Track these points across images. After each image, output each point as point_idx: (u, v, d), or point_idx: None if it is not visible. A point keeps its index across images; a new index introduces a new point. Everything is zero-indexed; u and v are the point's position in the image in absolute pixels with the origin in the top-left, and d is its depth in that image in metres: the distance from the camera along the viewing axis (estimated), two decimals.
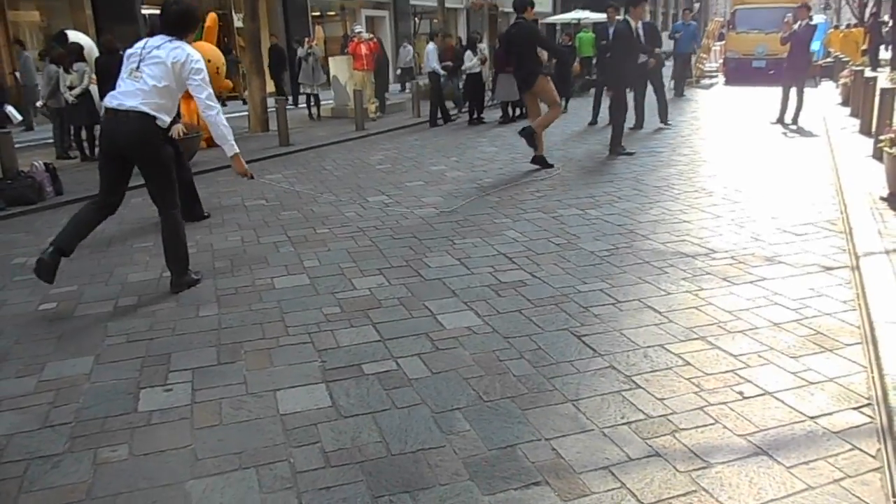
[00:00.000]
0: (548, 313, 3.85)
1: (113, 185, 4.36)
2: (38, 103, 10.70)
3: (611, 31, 11.67)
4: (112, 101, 4.16)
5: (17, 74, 13.49)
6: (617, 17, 11.17)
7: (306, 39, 15.04)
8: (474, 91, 13.43)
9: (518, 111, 13.78)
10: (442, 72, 13.19)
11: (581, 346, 3.42)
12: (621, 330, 3.59)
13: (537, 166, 8.12)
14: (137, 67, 4.14)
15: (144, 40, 4.29)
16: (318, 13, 22.67)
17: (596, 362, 3.25)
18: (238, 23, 19.01)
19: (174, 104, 4.30)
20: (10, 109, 11.28)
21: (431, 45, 13.18)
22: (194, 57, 4.19)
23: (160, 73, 4.13)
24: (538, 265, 4.67)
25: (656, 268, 4.52)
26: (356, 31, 14.42)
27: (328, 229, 5.82)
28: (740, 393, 2.94)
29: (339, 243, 5.39)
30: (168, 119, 4.25)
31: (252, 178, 5.10)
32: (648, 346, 3.39)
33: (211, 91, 4.30)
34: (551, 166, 8.15)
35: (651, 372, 3.14)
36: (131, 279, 4.71)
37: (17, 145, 8.08)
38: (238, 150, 4.57)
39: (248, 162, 9.40)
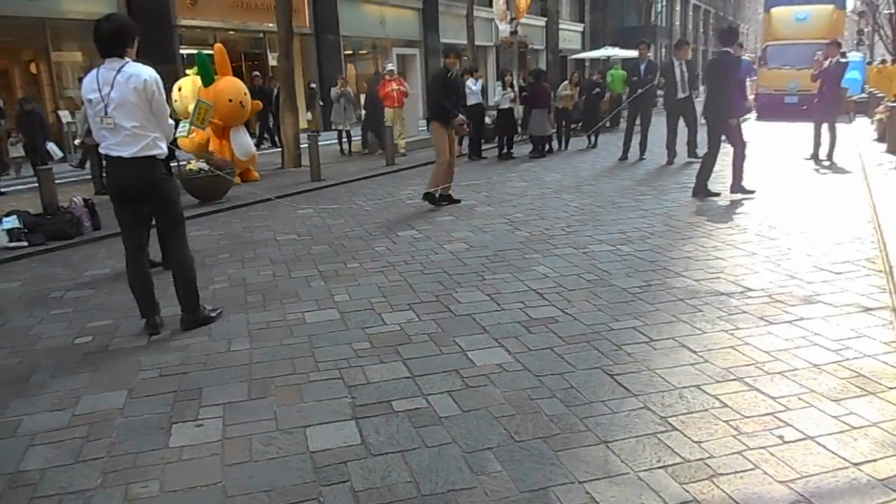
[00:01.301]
0: (580, 351, 3.79)
1: (133, 227, 4.41)
2: (77, 141, 11.01)
3: (642, 67, 11.77)
4: (110, 151, 4.16)
5: (60, 113, 13.95)
6: (649, 55, 11.30)
7: (339, 80, 15.33)
8: (505, 126, 13.52)
9: (549, 146, 13.85)
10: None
11: (614, 385, 3.36)
12: (655, 370, 3.52)
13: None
14: (106, 114, 4.04)
15: (94, 78, 4.08)
16: (350, 52, 23.14)
17: (630, 403, 3.18)
18: (273, 61, 19.49)
19: (160, 126, 4.23)
20: (51, 146, 11.66)
21: (471, 80, 13.36)
22: (152, 77, 4.08)
23: (131, 112, 4.05)
24: (569, 301, 4.63)
25: (691, 306, 4.45)
26: (388, 68, 14.67)
27: (358, 263, 5.85)
28: (780, 437, 2.85)
29: (370, 278, 5.41)
30: (165, 146, 4.27)
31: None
32: (684, 387, 3.32)
33: (168, 112, 4.33)
34: (457, 201, 8.44)
35: (687, 414, 3.06)
36: (165, 313, 4.73)
37: (58, 181, 8.31)
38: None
39: (280, 196, 9.60)
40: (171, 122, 4.41)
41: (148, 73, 4.10)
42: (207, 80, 10.68)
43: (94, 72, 4.13)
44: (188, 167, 9.37)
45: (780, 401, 3.16)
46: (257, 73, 17.50)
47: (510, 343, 3.94)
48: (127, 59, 4.10)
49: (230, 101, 10.47)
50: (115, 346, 4.23)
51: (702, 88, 17.90)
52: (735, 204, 7.79)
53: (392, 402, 3.28)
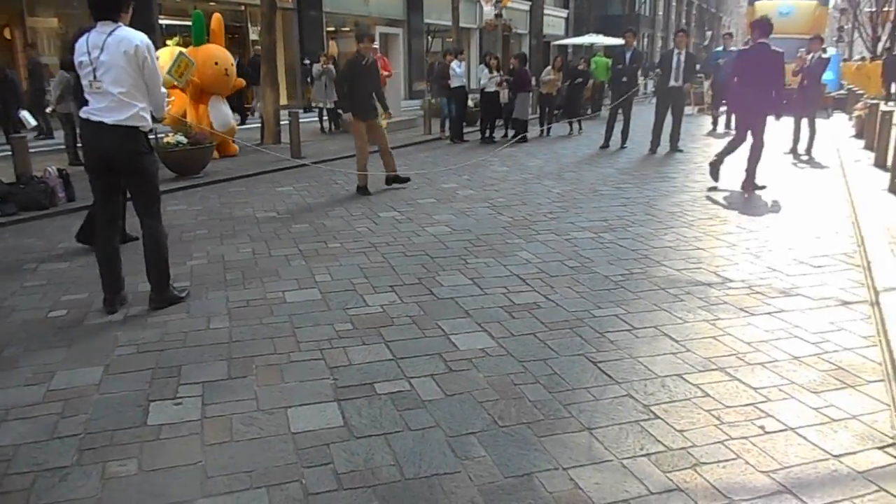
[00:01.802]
0: (563, 337, 3.79)
1: (107, 198, 4.27)
2: (48, 109, 10.73)
3: (628, 54, 11.76)
4: (91, 115, 4.01)
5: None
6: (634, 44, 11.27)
7: (322, 57, 15.11)
8: (489, 110, 13.45)
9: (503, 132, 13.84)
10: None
11: (597, 372, 3.37)
12: (638, 357, 3.53)
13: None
14: (95, 77, 3.94)
15: (84, 42, 3.97)
16: (332, 29, 22.82)
17: (613, 390, 3.19)
18: (253, 35, 19.16)
19: (151, 95, 4.11)
20: (24, 114, 11.34)
21: (455, 62, 13.24)
22: (143, 42, 3.97)
23: (119, 76, 3.93)
24: (552, 288, 4.62)
25: (672, 295, 4.47)
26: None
27: (339, 244, 5.79)
28: (762, 427, 2.87)
29: (351, 258, 5.35)
30: (149, 119, 4.14)
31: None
32: (666, 376, 3.33)
33: (161, 80, 4.20)
34: (407, 179, 8.51)
35: (669, 402, 3.08)
36: (142, 288, 4.64)
37: (31, 150, 8.09)
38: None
39: (259, 174, 9.47)
40: (164, 90, 4.28)
41: (140, 38, 3.98)
42: (198, 40, 10.52)
43: (85, 35, 4.01)
44: (165, 140, 9.18)
45: (762, 391, 3.18)
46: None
47: (493, 328, 3.93)
48: (120, 23, 3.99)
49: (216, 63, 10.31)
50: (91, 321, 4.14)
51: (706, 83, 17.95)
52: (716, 195, 7.84)
53: (375, 385, 3.25)
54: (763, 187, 8.01)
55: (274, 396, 3.15)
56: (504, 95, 13.35)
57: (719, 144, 12.58)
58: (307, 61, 17.65)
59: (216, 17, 11.05)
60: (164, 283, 4.37)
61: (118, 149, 4.05)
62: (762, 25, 7.85)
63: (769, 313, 4.17)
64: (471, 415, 2.97)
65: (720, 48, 15.76)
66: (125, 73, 3.94)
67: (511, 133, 13.52)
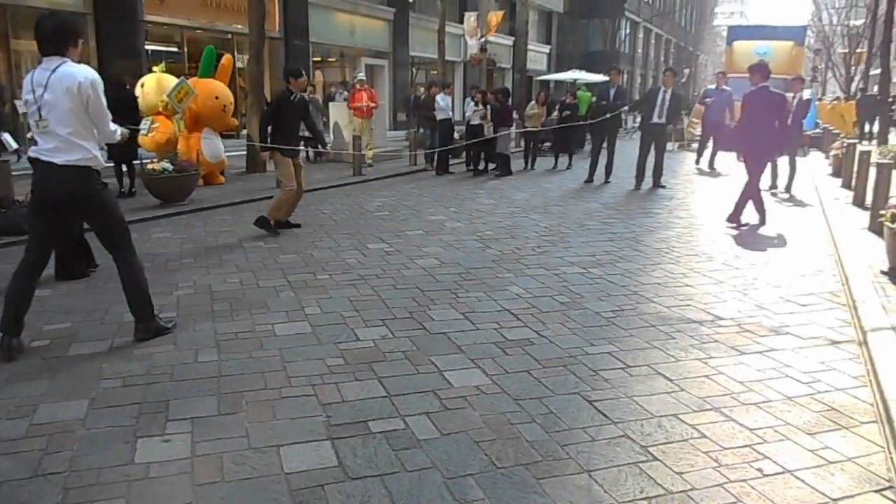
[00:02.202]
0: (557, 375, 3.77)
1: (46, 239, 4.08)
2: (29, 135, 10.62)
3: (612, 91, 11.94)
4: (40, 155, 3.85)
5: (17, 103, 13.45)
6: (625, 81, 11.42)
7: (308, 86, 15.17)
8: (475, 143, 13.53)
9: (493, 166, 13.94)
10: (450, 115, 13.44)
11: (593, 412, 3.34)
12: (633, 397, 3.52)
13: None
14: (40, 117, 3.79)
15: (29, 79, 3.82)
16: (318, 58, 22.97)
17: (609, 430, 3.16)
18: (240, 63, 19.21)
19: (100, 132, 3.98)
20: (5, 137, 11.22)
21: (440, 96, 13.36)
22: (88, 78, 3.80)
23: (63, 116, 3.77)
24: (544, 323, 4.61)
25: (663, 332, 4.48)
26: (358, 77, 14.58)
27: (328, 275, 5.74)
28: (759, 470, 2.86)
29: (341, 291, 5.30)
30: (100, 157, 3.97)
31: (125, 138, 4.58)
32: (662, 416, 3.32)
33: (110, 117, 4.03)
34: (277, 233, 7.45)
35: (667, 443, 3.06)
36: (127, 318, 4.55)
37: (13, 173, 7.98)
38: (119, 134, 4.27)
39: (245, 202, 9.41)
40: (113, 127, 4.10)
41: (84, 74, 3.81)
42: (205, 72, 10.63)
43: (31, 72, 3.87)
44: (150, 166, 9.12)
45: (757, 433, 3.18)
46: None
47: (487, 364, 3.89)
48: (66, 58, 3.83)
49: (216, 98, 10.40)
50: (75, 352, 4.04)
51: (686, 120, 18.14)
52: (700, 232, 7.92)
53: (369, 423, 3.19)
54: (744, 225, 8.12)
55: (265, 434, 3.08)
56: (487, 129, 13.45)
57: (701, 181, 12.78)
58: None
59: (227, 57, 11.30)
60: (148, 314, 4.27)
61: (69, 190, 3.87)
62: (761, 70, 8.13)
63: (760, 352, 4.18)
64: (468, 455, 2.92)
65: (713, 86, 15.41)
66: (70, 113, 3.78)
67: (493, 166, 13.62)
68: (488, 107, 13.28)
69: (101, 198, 4.03)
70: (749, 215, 8.24)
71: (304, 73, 7.66)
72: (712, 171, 14.27)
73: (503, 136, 13.31)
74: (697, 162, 15.26)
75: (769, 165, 11.13)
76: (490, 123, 13.39)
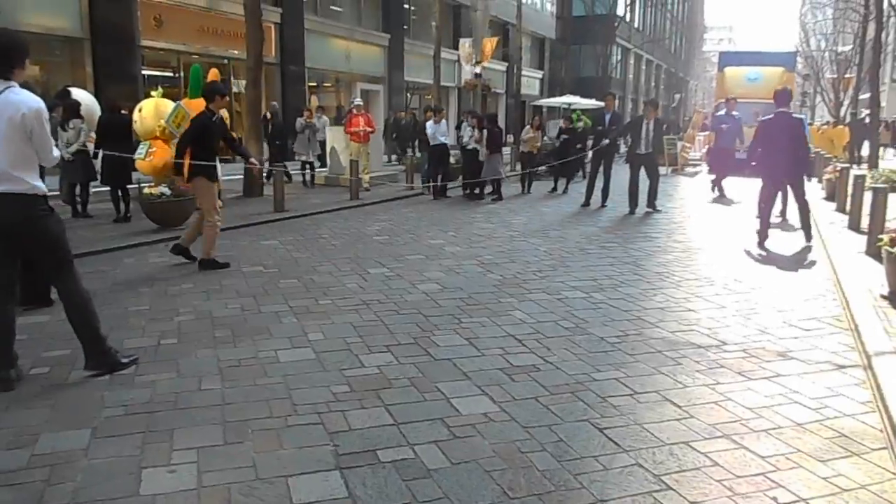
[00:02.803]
0: (565, 402, 3.74)
1: (2, 262, 3.85)
2: None
3: (607, 117, 12.04)
4: None
5: None
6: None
7: (305, 111, 15.26)
8: (471, 167, 13.55)
9: (481, 190, 13.95)
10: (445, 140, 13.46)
11: (604, 440, 3.31)
12: (643, 424, 3.49)
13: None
14: None
15: None
16: (314, 83, 23.11)
17: (621, 459, 3.13)
18: (236, 88, 19.30)
19: (42, 159, 3.79)
20: None
21: (431, 122, 13.40)
22: (32, 108, 3.62)
23: (5, 147, 3.60)
24: (549, 349, 4.58)
25: (670, 358, 4.45)
26: (355, 102, 14.65)
27: (330, 301, 5.71)
28: (774, 499, 2.83)
29: (343, 316, 5.27)
30: (42, 186, 3.78)
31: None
32: (673, 444, 3.28)
33: (52, 144, 3.86)
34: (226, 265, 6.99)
35: (679, 472, 3.02)
36: (127, 345, 4.51)
37: None
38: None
39: (243, 226, 9.37)
40: (55, 153, 3.94)
41: (29, 103, 3.63)
42: (193, 93, 10.56)
43: None
44: (148, 190, 9.09)
45: (770, 460, 3.15)
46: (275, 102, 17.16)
47: (494, 391, 3.86)
48: (12, 82, 3.64)
49: None
50: (75, 379, 3.99)
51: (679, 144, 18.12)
52: (699, 256, 7.94)
53: (377, 452, 3.15)
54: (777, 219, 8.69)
55: (273, 464, 3.03)
56: (482, 153, 13.49)
57: (697, 206, 12.83)
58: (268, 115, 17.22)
59: (213, 72, 11.17)
60: (97, 346, 4.02)
61: (13, 216, 3.70)
62: (783, 96, 8.44)
63: (767, 378, 4.17)
64: (479, 485, 2.88)
65: (722, 112, 14.52)
66: (11, 144, 3.60)
67: (489, 190, 13.66)
68: (484, 131, 13.31)
69: (46, 225, 3.81)
70: (743, 238, 8.30)
71: (226, 92, 7.21)
72: (723, 198, 13.93)
73: (493, 162, 13.22)
74: (713, 190, 14.39)
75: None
76: (484, 147, 13.44)
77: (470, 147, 13.48)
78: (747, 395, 3.90)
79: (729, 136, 13.88)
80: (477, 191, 13.51)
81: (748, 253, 8.11)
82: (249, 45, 12.46)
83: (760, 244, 8.43)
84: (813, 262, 7.65)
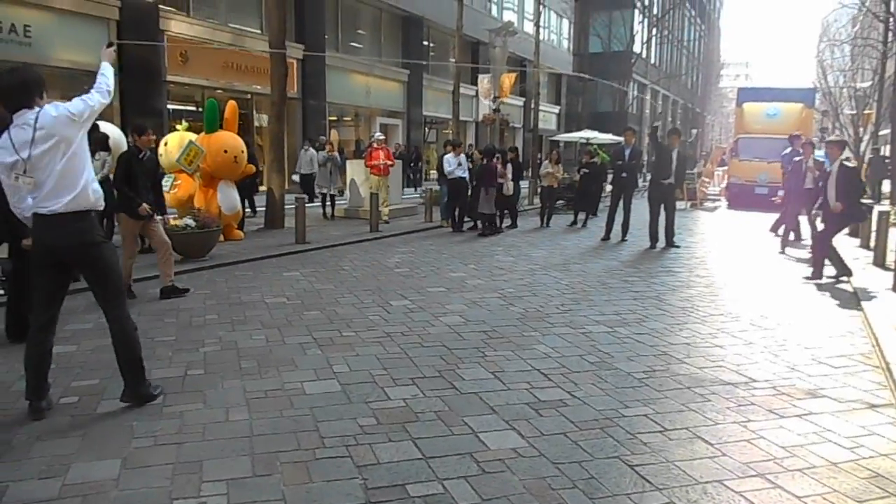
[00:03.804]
0: (594, 438, 3.70)
1: (52, 298, 3.96)
2: None
3: (627, 151, 12.08)
4: (39, 208, 3.74)
5: None
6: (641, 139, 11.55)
7: (327, 144, 15.46)
8: (457, 197, 13.52)
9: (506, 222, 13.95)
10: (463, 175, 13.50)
11: (636, 477, 3.26)
12: (674, 462, 3.44)
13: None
14: (25, 172, 3.66)
15: (7, 138, 3.68)
16: (334, 118, 23.47)
17: (654, 497, 3.08)
18: (257, 122, 19.65)
19: (90, 170, 3.88)
20: None
21: (451, 155, 13.48)
22: (69, 105, 3.77)
23: (53, 149, 3.67)
24: (575, 384, 4.54)
25: (698, 395, 4.40)
26: (376, 136, 14.84)
27: (354, 333, 5.71)
28: None
29: (367, 348, 5.27)
30: (101, 198, 3.90)
31: (111, 44, 4.35)
32: (707, 482, 3.23)
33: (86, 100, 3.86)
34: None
35: None
36: (155, 375, 4.53)
37: None
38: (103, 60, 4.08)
39: (265, 258, 9.44)
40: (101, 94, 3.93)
41: (65, 104, 3.78)
42: (210, 127, 10.72)
43: (6, 134, 3.71)
44: (173, 222, 9.21)
45: (806, 500, 3.09)
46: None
47: (522, 426, 3.83)
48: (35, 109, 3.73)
49: (225, 152, 10.46)
50: (104, 409, 4.01)
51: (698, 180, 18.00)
52: (723, 291, 7.88)
53: (406, 486, 3.12)
54: (831, 277, 8.63)
55: (302, 497, 3.02)
56: (508, 187, 13.52)
57: (715, 239, 12.73)
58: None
59: (231, 104, 11.34)
60: (140, 379, 4.07)
61: (71, 239, 3.80)
62: (838, 145, 9.17)
63: (799, 416, 4.10)
64: None
65: (788, 150, 12.46)
66: (60, 144, 3.71)
67: (507, 223, 13.68)
68: (509, 165, 13.37)
69: (101, 249, 3.92)
70: (767, 275, 8.21)
71: (147, 129, 6.99)
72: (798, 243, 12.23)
73: (486, 197, 13.15)
74: (797, 236, 12.30)
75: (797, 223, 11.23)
76: (508, 180, 13.48)
77: (453, 177, 13.41)
78: (780, 433, 3.84)
79: (794, 182, 11.51)
80: (489, 225, 13.45)
81: (768, 288, 8.04)
82: (274, 81, 12.70)
83: (828, 272, 8.67)
84: (839, 299, 7.56)
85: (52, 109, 3.74)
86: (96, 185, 3.93)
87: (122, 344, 4.04)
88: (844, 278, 8.53)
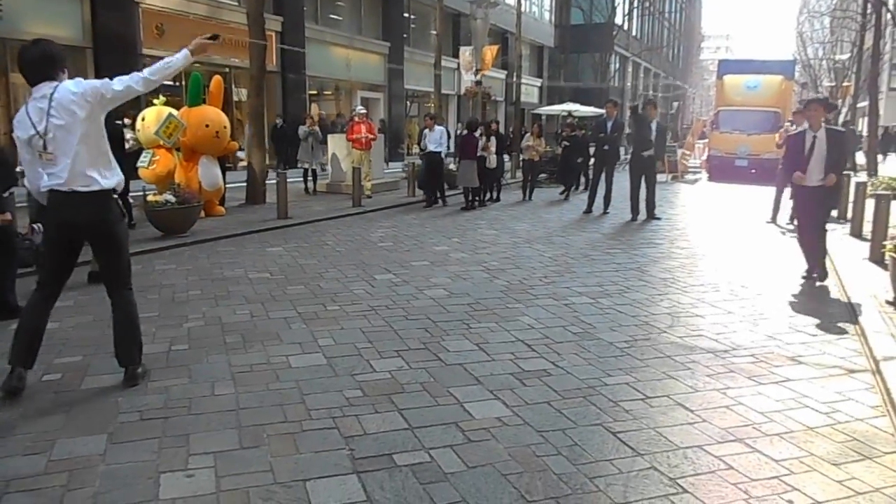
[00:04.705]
0: (577, 406, 3.75)
1: (64, 269, 3.98)
2: (18, 168, 10.58)
3: (609, 124, 12.08)
4: (53, 182, 3.70)
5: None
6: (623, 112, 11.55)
7: (308, 119, 15.31)
8: (483, 174, 13.47)
9: (488, 196, 13.90)
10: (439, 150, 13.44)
11: (618, 443, 3.32)
12: (656, 428, 3.50)
13: None
14: (45, 149, 3.65)
15: (24, 113, 3.69)
16: (314, 91, 23.18)
17: (637, 462, 3.14)
18: (236, 97, 19.34)
19: (108, 152, 3.85)
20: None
21: (439, 127, 13.41)
22: (94, 82, 3.76)
23: (70, 125, 3.63)
24: (559, 354, 4.60)
25: (679, 363, 4.47)
26: (357, 111, 14.70)
27: (338, 306, 5.72)
28: (790, 502, 2.85)
29: (352, 322, 5.28)
30: (121, 181, 3.90)
31: (216, 37, 4.28)
32: (687, 447, 3.30)
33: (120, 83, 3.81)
34: None
35: (695, 475, 3.04)
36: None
37: (18, 205, 7.93)
38: (185, 51, 4.03)
39: (247, 233, 9.39)
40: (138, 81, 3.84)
41: (91, 82, 3.78)
42: (193, 101, 10.58)
43: (24, 108, 3.72)
44: (153, 198, 9.11)
45: (783, 464, 3.17)
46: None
47: (506, 395, 3.87)
48: (56, 82, 3.72)
49: (207, 126, 10.35)
50: (88, 386, 3.99)
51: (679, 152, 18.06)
52: (703, 262, 7.97)
53: (393, 456, 3.16)
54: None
55: (290, 468, 3.04)
56: (491, 160, 13.48)
57: (696, 211, 12.83)
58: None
59: (216, 79, 11.20)
60: (139, 356, 4.06)
61: (91, 216, 3.80)
62: (826, 105, 7.20)
63: (777, 382, 4.19)
64: (497, 489, 2.89)
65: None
66: (80, 118, 3.68)
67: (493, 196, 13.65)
68: (493, 138, 13.33)
69: (117, 225, 3.94)
70: (750, 246, 8.29)
71: None
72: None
73: (466, 169, 13.06)
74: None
75: (774, 198, 11.26)
76: (492, 153, 13.43)
77: (427, 150, 13.38)
78: (758, 399, 3.92)
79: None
80: (472, 199, 13.44)
81: (747, 258, 8.13)
82: (252, 54, 12.51)
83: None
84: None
85: (73, 85, 3.70)
86: (116, 167, 3.90)
87: (126, 321, 4.02)
88: (818, 280, 6.93)
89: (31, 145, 3.70)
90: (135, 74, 3.87)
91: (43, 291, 3.98)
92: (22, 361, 3.86)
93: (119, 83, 3.79)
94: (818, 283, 6.91)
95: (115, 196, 3.94)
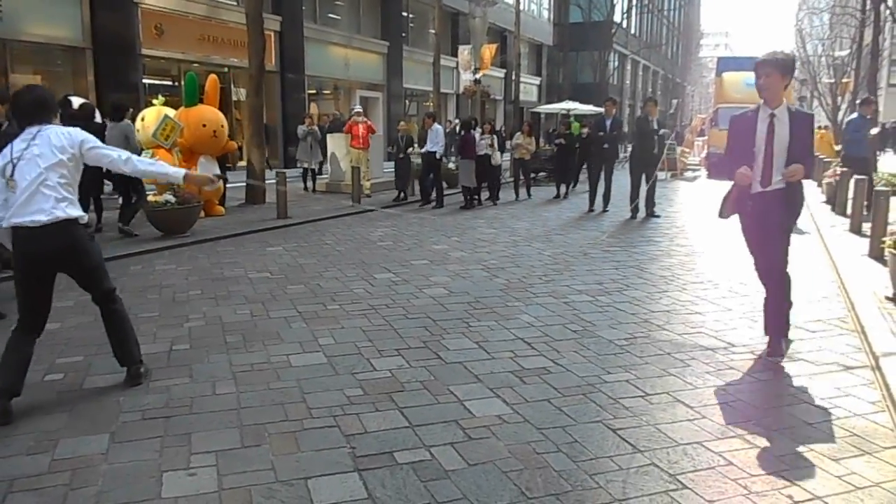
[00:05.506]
0: (577, 403, 3.77)
1: (43, 303, 3.82)
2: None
3: (608, 122, 12.09)
4: (20, 219, 3.57)
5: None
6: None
7: (307, 118, 15.31)
8: (484, 173, 13.48)
9: (477, 197, 13.88)
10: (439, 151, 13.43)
11: (618, 440, 3.34)
12: (655, 425, 3.52)
13: None
14: (12, 176, 3.58)
15: (9, 146, 3.69)
16: (313, 91, 23.19)
17: (637, 459, 3.16)
18: (235, 96, 19.36)
19: (77, 182, 3.82)
20: None
21: (437, 126, 13.40)
22: (81, 134, 3.79)
23: (50, 155, 3.63)
24: (558, 352, 4.61)
25: (678, 360, 4.49)
26: (355, 110, 14.71)
27: (338, 306, 5.74)
28: (790, 497, 2.86)
29: (352, 321, 5.30)
30: (83, 216, 3.80)
31: (221, 178, 4.42)
32: (687, 443, 3.31)
33: (109, 149, 3.92)
34: None
35: (694, 471, 3.05)
36: (146, 350, 4.52)
37: None
38: (184, 172, 4.16)
39: (247, 233, 9.41)
40: (123, 160, 3.89)
41: (79, 132, 3.81)
42: (190, 101, 10.58)
43: (10, 146, 3.69)
44: (153, 198, 9.13)
45: (783, 459, 3.18)
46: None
47: (506, 393, 3.89)
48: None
49: (204, 126, 10.35)
50: (90, 385, 4.01)
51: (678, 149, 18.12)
52: (703, 259, 7.98)
53: (394, 454, 3.18)
54: None
55: (291, 466, 3.06)
56: (496, 158, 13.47)
57: (691, 206, 12.86)
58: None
59: (212, 78, 11.18)
60: (139, 355, 4.07)
61: (63, 249, 3.71)
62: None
63: (776, 379, 4.20)
64: (497, 486, 2.91)
65: (857, 115, 11.99)
66: (58, 155, 3.68)
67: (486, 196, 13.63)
68: (494, 136, 13.34)
69: (91, 252, 3.86)
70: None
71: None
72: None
73: (464, 169, 13.11)
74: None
75: None
76: (496, 151, 13.44)
77: (481, 152, 13.33)
78: (757, 395, 3.93)
79: (861, 145, 11.57)
80: (470, 198, 13.43)
81: (747, 255, 8.13)
82: (251, 54, 12.51)
83: None
84: (816, 265, 7.69)
85: (63, 133, 3.72)
86: (80, 211, 3.79)
87: (119, 323, 4.02)
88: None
89: (3, 174, 3.63)
90: (131, 155, 3.93)
91: (23, 325, 3.79)
92: (7, 385, 3.61)
93: (110, 151, 3.87)
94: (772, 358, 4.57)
95: (81, 224, 3.81)
